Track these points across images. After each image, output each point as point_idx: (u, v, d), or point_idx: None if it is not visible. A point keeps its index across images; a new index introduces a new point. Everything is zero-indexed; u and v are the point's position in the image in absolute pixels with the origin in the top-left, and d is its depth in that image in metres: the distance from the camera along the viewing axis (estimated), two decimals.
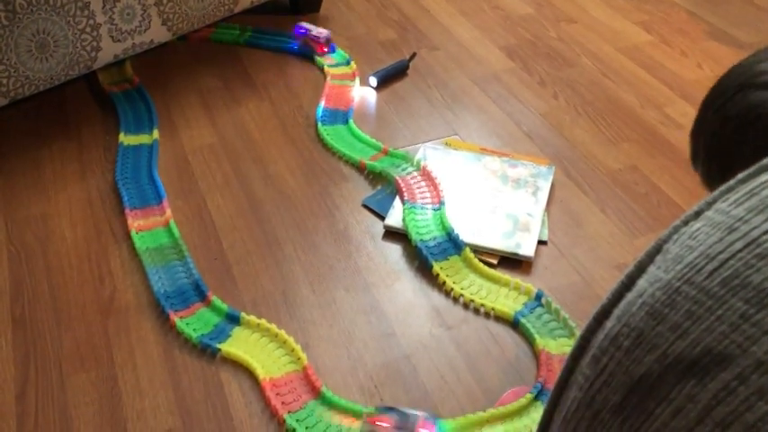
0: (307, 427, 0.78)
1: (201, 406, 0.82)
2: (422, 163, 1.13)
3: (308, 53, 1.45)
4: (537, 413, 0.79)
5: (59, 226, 1.06)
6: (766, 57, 0.53)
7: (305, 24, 1.43)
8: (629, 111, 1.30)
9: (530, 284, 0.93)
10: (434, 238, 1.00)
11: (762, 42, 1.50)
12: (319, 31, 1.41)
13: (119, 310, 0.93)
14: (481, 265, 0.97)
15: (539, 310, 0.90)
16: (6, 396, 0.83)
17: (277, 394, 0.82)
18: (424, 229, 1.02)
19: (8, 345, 0.89)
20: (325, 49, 1.40)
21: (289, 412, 0.80)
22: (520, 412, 0.79)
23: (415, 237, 1.00)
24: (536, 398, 0.81)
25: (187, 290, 0.95)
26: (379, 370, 0.85)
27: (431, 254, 0.98)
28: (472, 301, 0.93)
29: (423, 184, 1.10)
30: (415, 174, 1.12)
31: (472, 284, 0.95)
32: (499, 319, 0.91)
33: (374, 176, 1.14)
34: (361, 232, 1.05)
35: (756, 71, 0.52)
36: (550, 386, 0.81)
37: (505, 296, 0.93)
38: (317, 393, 0.82)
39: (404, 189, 1.07)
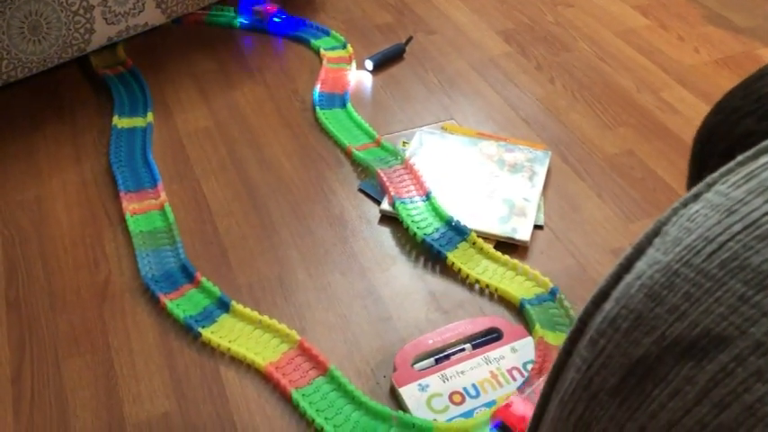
0: (311, 403, 0.79)
1: (198, 389, 0.82)
2: (405, 156, 1.12)
3: (304, 38, 1.44)
4: None
5: (54, 209, 1.05)
6: (741, 108, 0.50)
7: None
8: (626, 95, 1.29)
9: (547, 279, 0.92)
10: (437, 230, 1.00)
11: (759, 27, 1.50)
12: None
13: (114, 293, 0.93)
14: (492, 250, 0.97)
15: (548, 303, 0.90)
16: (1, 380, 0.83)
17: (283, 375, 0.82)
18: (424, 223, 1.01)
19: (3, 329, 0.89)
20: None
21: (295, 388, 0.80)
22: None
23: (418, 233, 0.99)
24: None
25: (174, 272, 0.94)
26: (375, 354, 0.86)
27: (441, 245, 0.97)
28: (488, 286, 0.93)
29: (406, 177, 1.08)
30: (398, 167, 1.10)
31: (487, 269, 0.95)
32: (506, 303, 0.91)
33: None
34: (357, 217, 1.04)
35: (738, 134, 0.50)
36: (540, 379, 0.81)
37: (519, 284, 0.93)
38: (324, 370, 0.82)
39: (387, 183, 1.06)
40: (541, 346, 0.84)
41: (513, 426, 0.76)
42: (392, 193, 1.04)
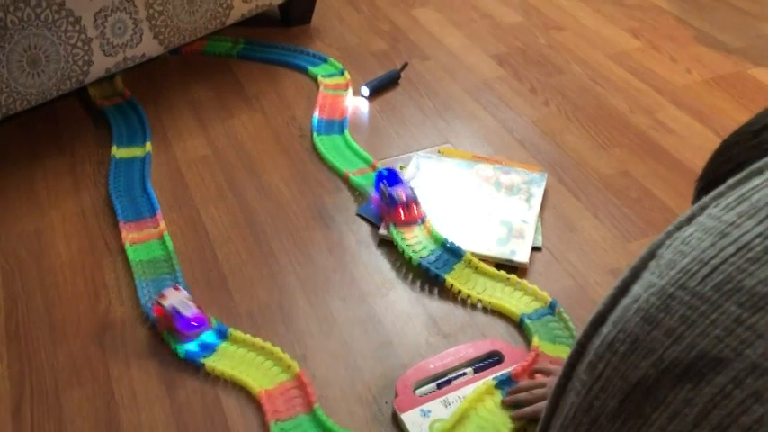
0: None
1: (199, 419, 0.81)
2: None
3: (301, 66, 1.45)
4: (492, 401, 0.80)
5: (53, 241, 1.05)
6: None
7: None
8: (620, 116, 1.31)
9: (545, 293, 0.93)
10: (432, 252, 1.00)
11: (749, 47, 1.52)
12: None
13: (114, 323, 0.93)
14: (488, 267, 0.97)
15: (548, 317, 0.90)
16: (1, 413, 0.83)
17: (271, 404, 0.81)
18: (419, 246, 1.01)
19: (3, 361, 0.88)
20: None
21: (276, 420, 0.79)
22: (475, 404, 0.80)
23: (414, 257, 0.99)
24: (496, 386, 0.81)
25: None
26: (377, 380, 0.85)
27: (437, 268, 0.97)
28: (489, 304, 0.93)
29: None
30: None
31: (486, 288, 0.95)
32: (506, 318, 0.92)
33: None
34: (356, 242, 1.05)
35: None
36: (521, 378, 0.82)
37: (518, 299, 0.94)
38: (309, 408, 0.81)
39: (383, 207, 1.06)
40: (534, 353, 0.85)
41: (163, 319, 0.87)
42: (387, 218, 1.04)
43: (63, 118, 1.31)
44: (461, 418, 0.78)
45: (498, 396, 0.80)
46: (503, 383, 0.81)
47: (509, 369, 0.83)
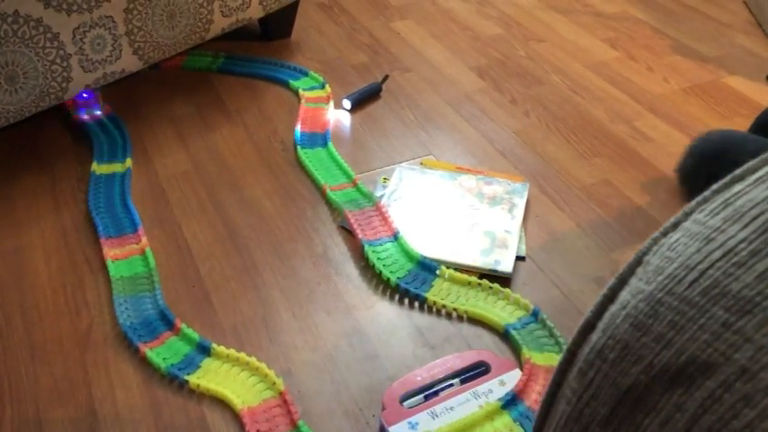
0: None
1: None
2: (377, 199, 1.12)
3: (282, 79, 1.45)
4: (501, 422, 0.79)
5: (33, 259, 1.04)
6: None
7: None
8: (600, 126, 1.32)
9: (527, 301, 0.93)
10: (409, 272, 1.00)
11: (723, 56, 1.54)
12: None
13: (96, 342, 0.91)
14: (465, 276, 0.98)
15: (532, 325, 0.91)
16: None
17: (255, 422, 0.80)
18: (395, 266, 1.00)
19: None
20: None
21: None
22: (482, 422, 0.79)
23: (392, 278, 0.98)
24: (503, 407, 0.80)
25: (153, 320, 0.93)
26: (364, 393, 0.85)
27: (416, 288, 0.97)
28: (466, 312, 0.93)
29: (374, 218, 1.08)
30: (368, 209, 1.10)
31: (469, 298, 0.95)
32: (491, 330, 0.92)
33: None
34: (339, 254, 1.04)
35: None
36: (526, 396, 0.82)
37: (501, 308, 0.94)
38: (293, 425, 0.80)
39: (355, 226, 1.06)
40: (528, 366, 0.85)
41: None
42: (360, 237, 1.04)
43: (42, 135, 1.30)
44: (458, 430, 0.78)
45: (507, 417, 0.80)
46: (509, 404, 0.80)
47: (511, 389, 0.82)
